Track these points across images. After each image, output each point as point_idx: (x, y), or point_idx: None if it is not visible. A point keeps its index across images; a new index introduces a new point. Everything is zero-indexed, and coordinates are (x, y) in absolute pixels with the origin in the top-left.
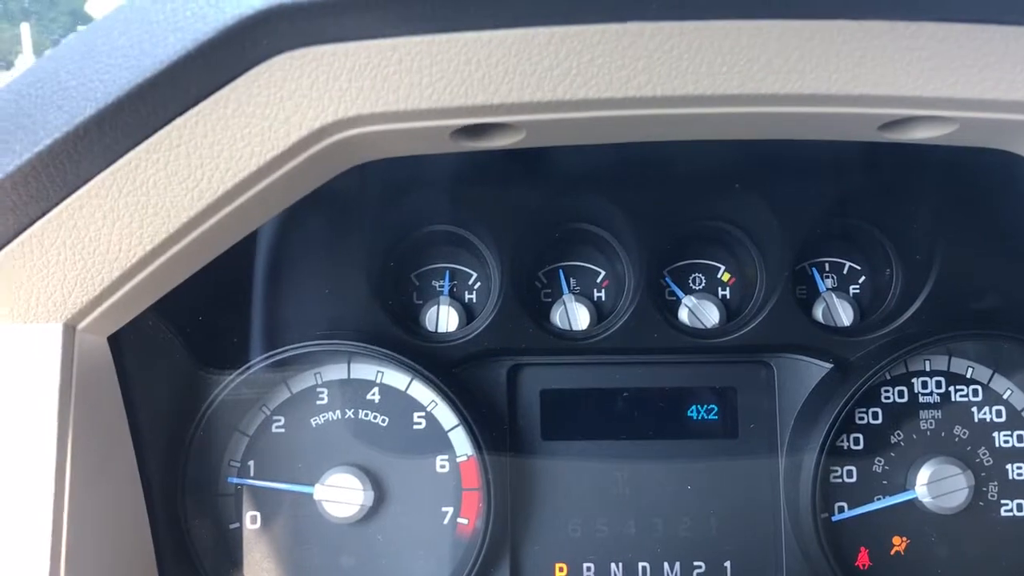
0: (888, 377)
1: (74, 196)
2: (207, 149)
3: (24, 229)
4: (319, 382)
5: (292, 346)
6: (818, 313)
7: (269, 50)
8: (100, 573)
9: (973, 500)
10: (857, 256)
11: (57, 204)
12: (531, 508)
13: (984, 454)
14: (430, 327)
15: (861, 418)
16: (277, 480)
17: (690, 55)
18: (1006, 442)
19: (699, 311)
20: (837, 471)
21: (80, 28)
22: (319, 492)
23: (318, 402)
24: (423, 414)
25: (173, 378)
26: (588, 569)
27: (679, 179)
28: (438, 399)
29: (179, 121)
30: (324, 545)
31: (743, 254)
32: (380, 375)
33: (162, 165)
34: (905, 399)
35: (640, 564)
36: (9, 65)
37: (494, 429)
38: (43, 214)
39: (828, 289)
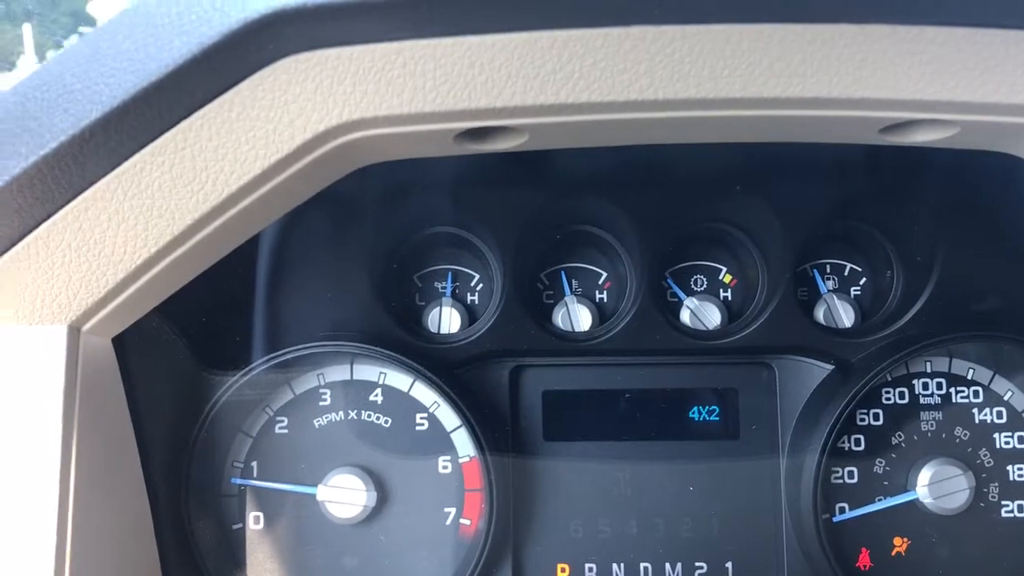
0: (889, 378)
1: (79, 199)
2: (212, 152)
3: (29, 231)
4: (322, 383)
5: (295, 347)
6: (819, 315)
7: (274, 54)
8: (104, 573)
9: (974, 501)
10: (858, 258)
11: (62, 207)
12: (533, 509)
13: (985, 455)
14: (432, 328)
15: (862, 419)
16: (280, 481)
17: (692, 59)
18: (1007, 443)
19: (701, 312)
20: (838, 472)
21: (82, 29)
22: (322, 493)
23: (321, 403)
24: (425, 415)
25: (177, 379)
26: (590, 570)
27: (681, 181)
28: (440, 400)
29: (184, 124)
30: (327, 546)
31: (745, 256)
32: (383, 376)
33: (167, 168)
34: (906, 400)
35: (642, 565)
36: (11, 66)
37: (496, 430)
38: (48, 216)
39: (829, 291)
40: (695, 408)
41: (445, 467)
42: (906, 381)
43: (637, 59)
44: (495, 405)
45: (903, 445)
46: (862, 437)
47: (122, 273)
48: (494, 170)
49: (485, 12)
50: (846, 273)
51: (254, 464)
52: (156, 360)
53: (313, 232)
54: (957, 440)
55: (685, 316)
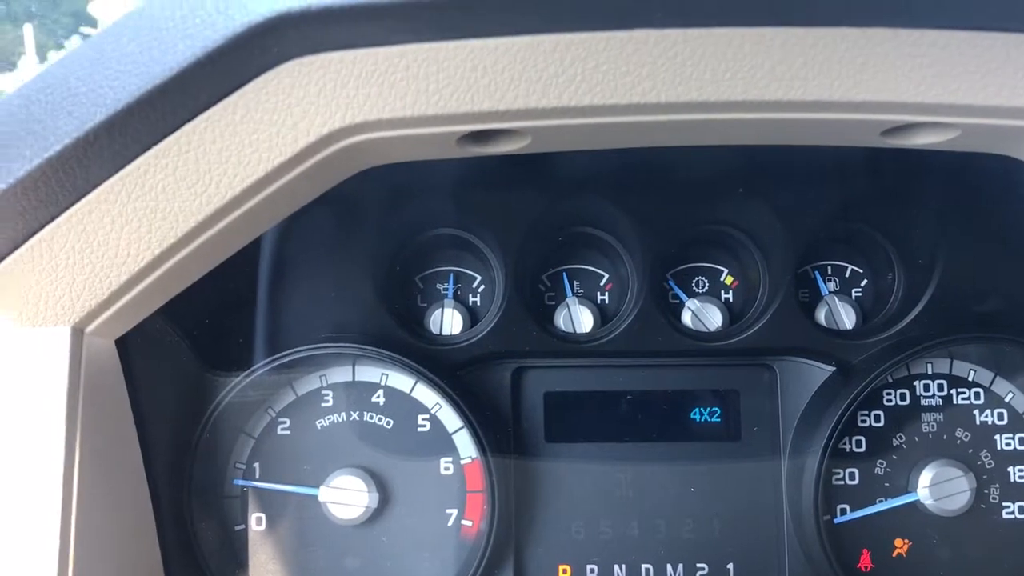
0: (890, 380)
1: (83, 201)
2: (216, 155)
3: (34, 234)
4: (324, 384)
5: (297, 349)
6: (820, 316)
7: (278, 57)
8: (107, 574)
9: (975, 503)
10: (859, 259)
11: (67, 209)
12: (535, 510)
13: (986, 457)
14: (434, 330)
15: (863, 421)
16: (282, 482)
17: (694, 62)
18: (1008, 445)
19: (702, 314)
20: (839, 473)
21: (83, 30)
22: (324, 494)
23: (323, 404)
24: (427, 416)
25: (180, 380)
26: (592, 571)
27: (682, 183)
28: (442, 401)
29: (188, 127)
30: (329, 547)
31: (746, 257)
32: (385, 377)
33: (171, 170)
34: (907, 402)
35: (643, 566)
36: (12, 66)
37: (498, 431)
38: (53, 219)
39: (830, 292)
40: (696, 409)
41: (447, 468)
42: (907, 383)
43: (639, 62)
44: (497, 406)
45: (904, 446)
46: (863, 438)
47: (126, 275)
48: (496, 172)
49: (487, 15)
50: (847, 275)
51: (256, 465)
52: (159, 361)
53: (316, 234)
54: (958, 441)
55: (686, 318)
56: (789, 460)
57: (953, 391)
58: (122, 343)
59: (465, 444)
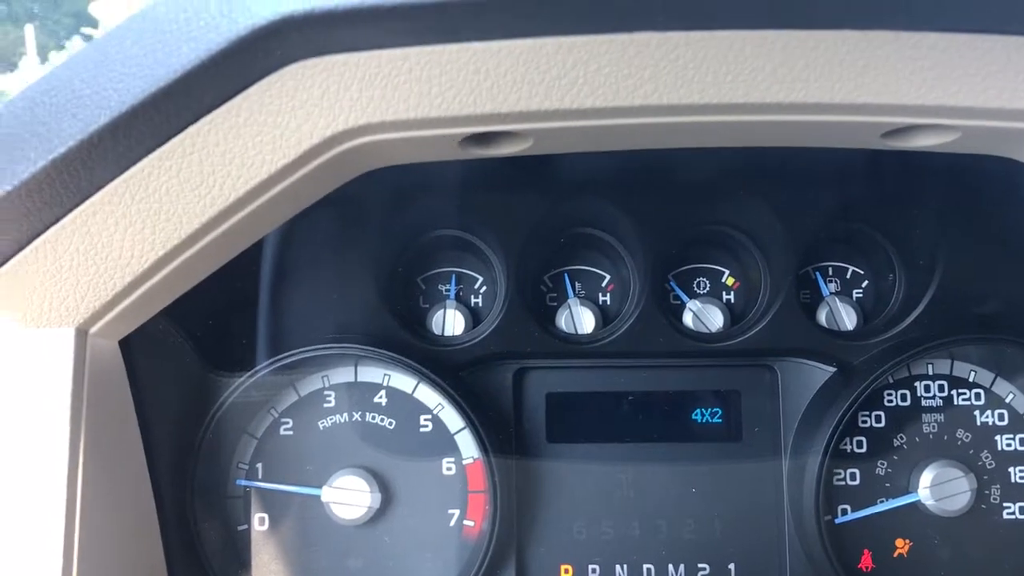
0: (891, 381)
1: (87, 203)
2: (219, 157)
3: (38, 235)
4: (326, 385)
5: (300, 349)
6: (821, 317)
7: (281, 60)
8: (111, 574)
9: (976, 503)
10: (860, 261)
11: (71, 211)
12: (537, 510)
13: (987, 457)
14: (436, 331)
15: (864, 421)
16: (285, 482)
17: (696, 64)
18: (1008, 445)
19: (703, 315)
20: (840, 474)
21: (84, 30)
22: (326, 494)
23: (325, 405)
24: (430, 417)
25: (183, 381)
26: (593, 571)
27: (684, 184)
28: (444, 402)
29: (192, 129)
30: (331, 547)
31: (747, 258)
32: (387, 378)
33: (175, 172)
34: (908, 402)
35: (645, 566)
36: (13, 67)
37: (500, 432)
38: (57, 220)
39: (831, 293)
40: (698, 410)
41: (449, 469)
42: (908, 383)
43: (641, 65)
44: (499, 407)
45: (905, 447)
46: (864, 439)
47: (129, 276)
48: (498, 174)
49: (490, 18)
50: (848, 276)
51: (259, 465)
52: (162, 362)
53: (318, 235)
54: (959, 442)
55: (688, 319)
56: (790, 460)
57: (954, 392)
58: (126, 344)
59: (467, 444)
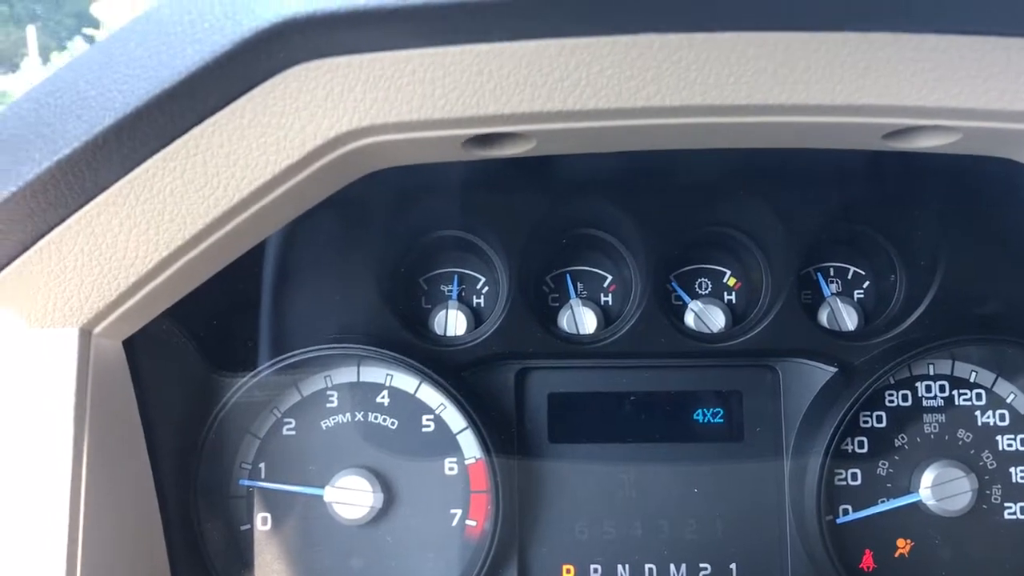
0: (892, 381)
1: (92, 203)
2: (223, 158)
3: (43, 236)
4: (329, 385)
5: (303, 350)
6: (823, 318)
7: (285, 62)
8: (114, 573)
9: (977, 503)
10: (861, 261)
11: (75, 211)
12: (539, 510)
13: (988, 457)
14: (439, 331)
15: (865, 422)
16: (288, 482)
17: (698, 66)
18: (1009, 445)
19: (705, 316)
20: (842, 474)
21: (85, 31)
22: (329, 494)
23: (328, 405)
24: (432, 417)
25: (186, 381)
26: (595, 571)
27: (685, 185)
28: (447, 402)
29: (196, 131)
30: (334, 546)
31: (749, 259)
32: (389, 378)
33: (179, 173)
34: (909, 403)
35: (647, 566)
36: (15, 67)
37: (502, 432)
38: (61, 221)
39: (833, 294)
40: (699, 410)
41: (451, 468)
42: (909, 384)
43: (644, 66)
44: (501, 407)
45: (906, 447)
46: (865, 439)
47: (133, 277)
48: (500, 174)
49: (493, 20)
50: (849, 276)
51: (262, 465)
52: (166, 362)
53: (321, 236)
54: (960, 442)
55: (689, 319)
56: (792, 461)
57: (955, 392)
58: (129, 344)
59: (469, 444)
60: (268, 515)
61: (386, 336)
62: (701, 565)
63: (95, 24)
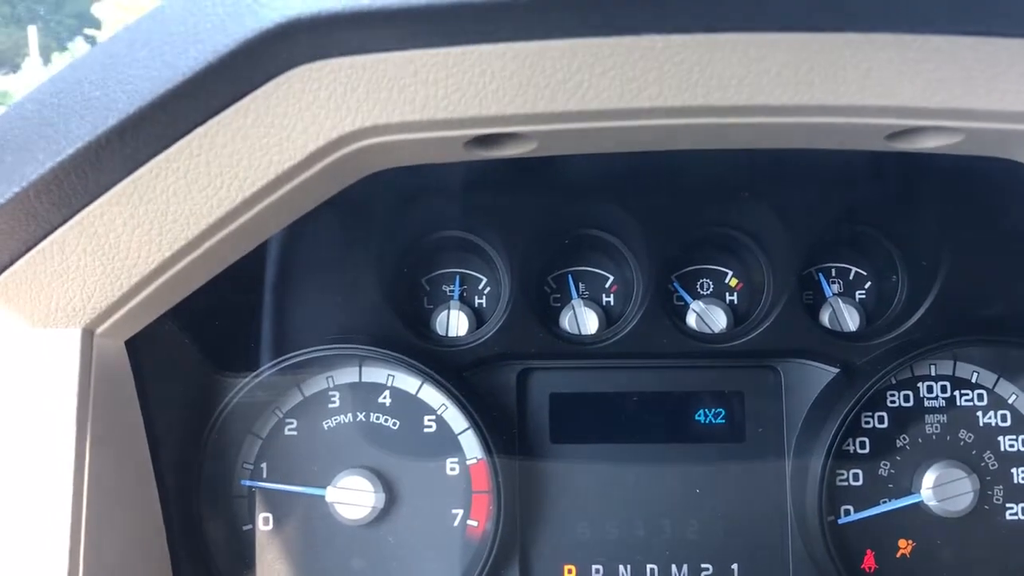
0: (894, 381)
1: (95, 204)
2: (226, 159)
3: (46, 236)
4: (331, 385)
5: (305, 350)
6: (825, 318)
7: (288, 62)
8: (117, 573)
9: (978, 504)
10: (863, 262)
11: (78, 211)
12: (540, 510)
13: (989, 458)
14: (440, 331)
15: (867, 422)
16: (289, 482)
17: (701, 67)
18: (1011, 446)
19: (707, 316)
20: (843, 474)
21: (86, 31)
22: (331, 494)
23: (330, 405)
24: (433, 417)
25: (188, 381)
26: (597, 571)
27: (687, 186)
28: (448, 402)
29: (199, 131)
30: (335, 547)
31: (751, 260)
32: (391, 379)
33: (182, 174)
34: (911, 403)
35: (648, 566)
36: (16, 68)
37: (504, 432)
38: (64, 221)
39: (835, 294)
40: (701, 411)
41: (453, 469)
42: (911, 384)
43: (646, 67)
44: (502, 407)
45: (908, 448)
46: (867, 440)
47: (136, 277)
48: (502, 175)
49: (495, 21)
50: (851, 277)
51: (264, 465)
52: (168, 362)
53: (323, 236)
54: (961, 443)
55: (691, 319)
56: (793, 461)
57: (956, 393)
58: (132, 344)
59: (471, 445)
60: (270, 515)
61: (388, 336)
62: (703, 565)
63: (96, 25)
